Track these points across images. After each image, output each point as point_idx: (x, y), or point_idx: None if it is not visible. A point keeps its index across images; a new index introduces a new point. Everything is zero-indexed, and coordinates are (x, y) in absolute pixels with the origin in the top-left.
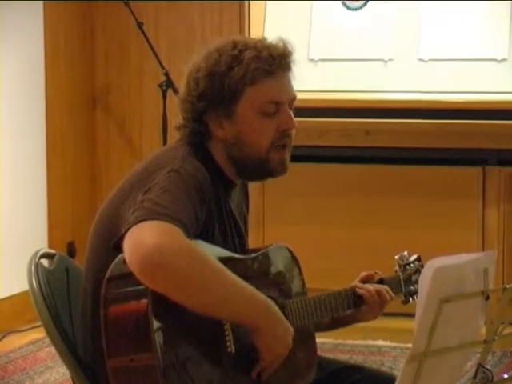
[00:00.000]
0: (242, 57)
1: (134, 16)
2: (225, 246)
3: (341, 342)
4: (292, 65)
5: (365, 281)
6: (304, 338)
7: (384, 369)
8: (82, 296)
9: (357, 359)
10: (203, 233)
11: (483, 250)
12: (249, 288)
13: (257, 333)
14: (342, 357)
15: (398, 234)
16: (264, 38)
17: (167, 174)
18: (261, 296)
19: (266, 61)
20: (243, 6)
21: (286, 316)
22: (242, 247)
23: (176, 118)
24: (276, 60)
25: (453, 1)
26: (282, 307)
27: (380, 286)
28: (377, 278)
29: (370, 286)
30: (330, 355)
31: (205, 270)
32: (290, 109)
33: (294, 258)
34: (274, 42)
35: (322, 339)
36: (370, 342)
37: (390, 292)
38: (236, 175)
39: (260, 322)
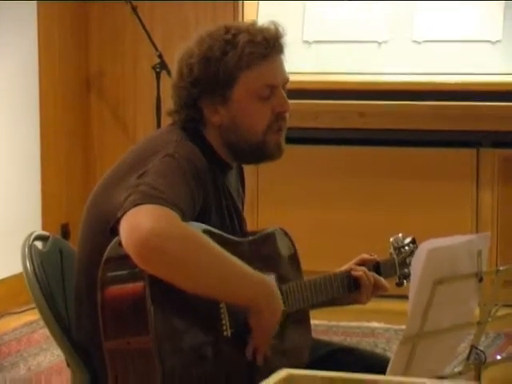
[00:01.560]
0: (235, 41)
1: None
2: (222, 229)
3: (335, 323)
4: (284, 47)
5: (361, 264)
6: (299, 320)
7: (377, 350)
8: (75, 278)
9: (351, 341)
10: (200, 215)
11: (477, 231)
12: (245, 267)
13: (254, 311)
14: (336, 338)
15: (393, 215)
16: (255, 22)
17: (162, 159)
18: (258, 274)
19: (260, 44)
20: (237, 6)
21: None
22: (240, 229)
23: (170, 101)
24: (270, 43)
25: None
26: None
27: (378, 277)
28: (372, 261)
29: (366, 269)
30: (324, 337)
31: (201, 253)
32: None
33: (290, 240)
34: (265, 26)
35: (316, 321)
36: (364, 324)
37: (386, 286)
38: (232, 159)
39: (258, 300)
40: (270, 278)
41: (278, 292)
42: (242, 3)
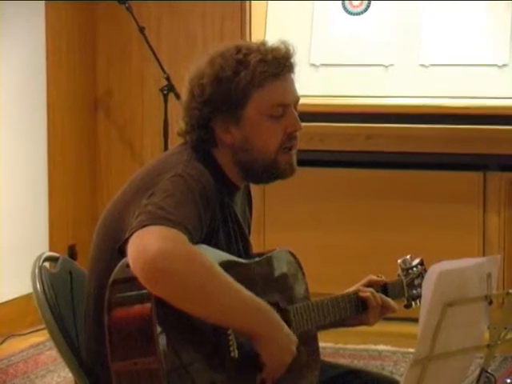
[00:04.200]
0: (247, 61)
1: (136, 21)
2: (228, 250)
3: (341, 346)
4: (295, 66)
5: (369, 285)
6: (307, 342)
7: (384, 373)
8: (84, 299)
9: (358, 364)
10: (207, 237)
11: (484, 255)
12: (251, 296)
13: (259, 341)
14: (343, 361)
15: (399, 238)
16: (265, 41)
17: (171, 179)
18: (263, 304)
19: (271, 64)
20: (244, 6)
21: (290, 322)
22: (246, 251)
23: (177, 122)
24: (281, 62)
25: (454, 6)
26: (286, 313)
27: (386, 298)
28: (380, 282)
29: (373, 290)
30: (331, 360)
31: (207, 277)
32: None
33: (297, 262)
34: (275, 45)
35: (323, 344)
36: (371, 347)
37: (395, 307)
38: (242, 179)
39: (262, 331)
40: (280, 301)
41: (284, 324)
42: (250, 4)
